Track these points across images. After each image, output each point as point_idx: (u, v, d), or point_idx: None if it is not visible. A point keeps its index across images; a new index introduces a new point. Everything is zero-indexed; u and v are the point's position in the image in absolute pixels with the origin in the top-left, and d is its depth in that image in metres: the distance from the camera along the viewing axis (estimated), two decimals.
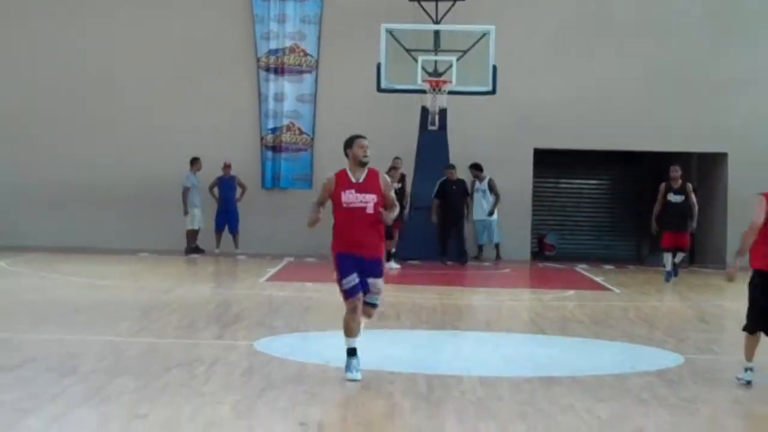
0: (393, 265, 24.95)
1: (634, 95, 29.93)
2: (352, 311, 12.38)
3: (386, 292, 21.91)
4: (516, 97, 29.06)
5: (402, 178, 26.53)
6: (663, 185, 23.80)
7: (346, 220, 12.22)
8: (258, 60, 30.71)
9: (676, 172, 23.62)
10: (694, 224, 23.78)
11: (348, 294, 12.33)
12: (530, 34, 29.98)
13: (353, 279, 12.27)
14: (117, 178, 29.74)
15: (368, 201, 12.12)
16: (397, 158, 26.57)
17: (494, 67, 27.82)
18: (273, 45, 30.68)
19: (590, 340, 15.96)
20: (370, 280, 12.44)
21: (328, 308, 19.32)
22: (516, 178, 30.00)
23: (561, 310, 19.70)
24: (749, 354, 12.10)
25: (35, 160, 29.53)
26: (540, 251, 32.18)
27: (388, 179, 12.73)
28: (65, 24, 30.15)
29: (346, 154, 12.41)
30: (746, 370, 12.07)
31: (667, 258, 23.48)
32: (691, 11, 30.43)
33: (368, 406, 10.99)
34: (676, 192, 23.26)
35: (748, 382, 11.90)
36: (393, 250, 26.28)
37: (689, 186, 23.69)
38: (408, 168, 28.69)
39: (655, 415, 10.22)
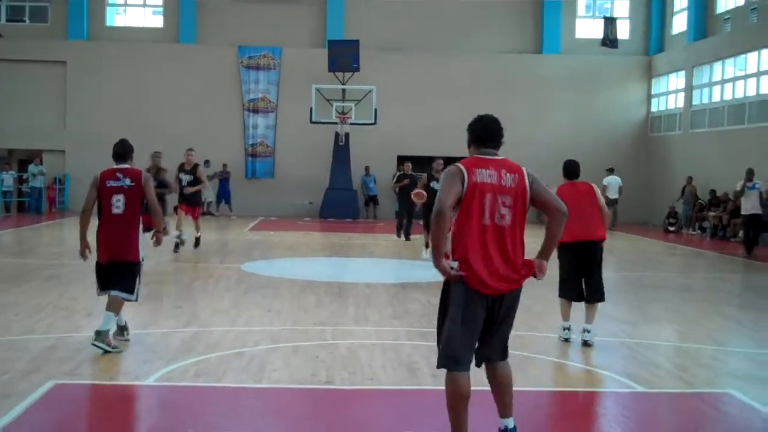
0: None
1: (451, 123, 30.24)
2: None
3: (314, 237, 22.42)
4: (387, 126, 29.11)
5: (195, 167, 17.10)
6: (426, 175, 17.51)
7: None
8: (243, 105, 30.55)
9: (438, 165, 18.14)
10: None
11: None
12: (395, 90, 29.81)
13: None
14: None
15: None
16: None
17: (375, 110, 28.06)
18: (252, 96, 30.47)
19: (427, 263, 15.98)
20: None
21: (283, 246, 19.72)
22: (387, 173, 30.46)
23: (414, 246, 19.76)
24: None
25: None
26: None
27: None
28: (134, 84, 30.03)
29: None
30: None
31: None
32: (482, 79, 30.94)
33: (305, 299, 11.20)
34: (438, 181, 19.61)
35: None
36: (199, 234, 17.47)
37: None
38: (327, 165, 29.14)
39: None
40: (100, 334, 7.63)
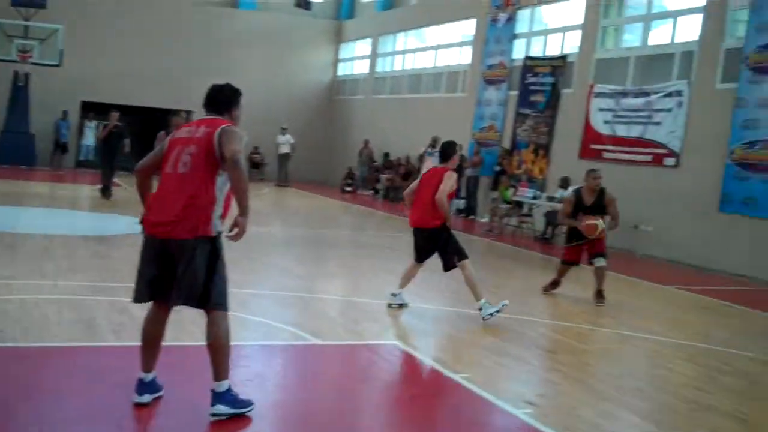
0: None
1: (143, 72, 29.38)
2: None
3: None
4: (73, 69, 27.50)
5: None
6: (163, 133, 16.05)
7: None
8: None
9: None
10: None
11: None
12: (84, 32, 28.23)
13: None
14: None
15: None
16: None
17: (61, 51, 26.56)
18: None
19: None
20: None
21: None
22: (71, 119, 29.00)
23: (112, 202, 19.03)
24: None
25: None
26: None
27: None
28: None
29: None
30: None
31: None
32: (178, 29, 30.26)
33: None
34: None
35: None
36: None
37: None
38: (2, 106, 27.13)
39: None
40: None
